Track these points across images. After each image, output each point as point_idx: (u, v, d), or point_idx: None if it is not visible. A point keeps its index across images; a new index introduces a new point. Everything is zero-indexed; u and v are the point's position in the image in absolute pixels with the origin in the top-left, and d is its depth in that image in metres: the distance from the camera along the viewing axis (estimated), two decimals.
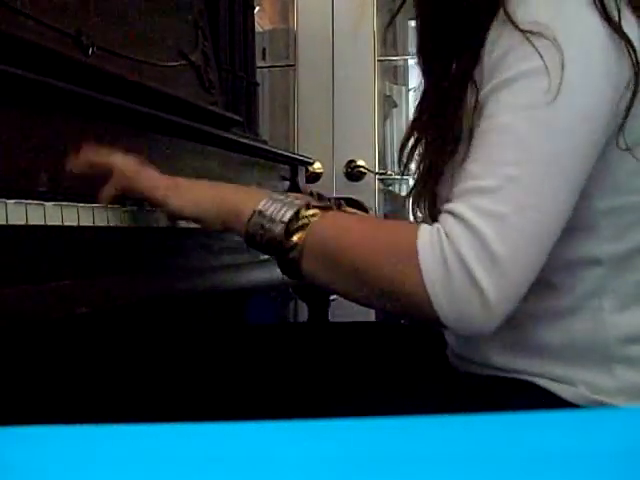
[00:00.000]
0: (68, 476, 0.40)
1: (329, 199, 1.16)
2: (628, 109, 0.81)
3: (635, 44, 0.80)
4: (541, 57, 0.77)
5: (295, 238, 0.82)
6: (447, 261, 0.74)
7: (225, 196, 0.90)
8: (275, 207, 0.84)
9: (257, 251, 0.88)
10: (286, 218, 0.83)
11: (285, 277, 0.88)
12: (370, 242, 0.81)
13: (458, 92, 0.86)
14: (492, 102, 0.80)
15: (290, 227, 0.82)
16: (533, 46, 0.77)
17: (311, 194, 1.09)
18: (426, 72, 0.98)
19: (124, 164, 0.91)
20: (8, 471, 0.40)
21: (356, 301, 0.87)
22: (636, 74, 0.80)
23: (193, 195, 0.90)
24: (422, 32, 0.97)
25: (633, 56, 0.80)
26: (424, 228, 0.78)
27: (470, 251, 0.74)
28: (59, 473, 0.40)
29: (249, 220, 0.85)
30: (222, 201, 0.89)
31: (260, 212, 0.84)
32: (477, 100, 0.83)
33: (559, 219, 0.79)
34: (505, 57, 0.80)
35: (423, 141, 0.98)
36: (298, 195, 0.92)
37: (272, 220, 0.83)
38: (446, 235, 0.76)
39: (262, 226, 0.84)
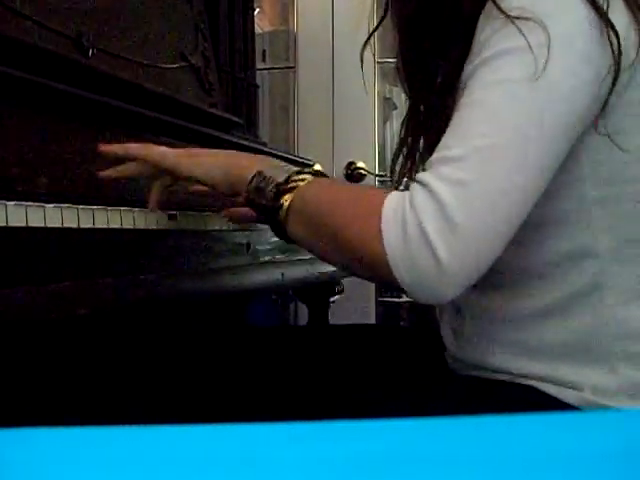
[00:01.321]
0: (68, 477, 0.40)
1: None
2: (608, 94, 0.81)
3: (622, 31, 0.80)
4: (524, 36, 0.77)
5: (283, 199, 0.86)
6: (406, 225, 0.75)
7: (235, 160, 0.96)
8: (273, 171, 0.89)
9: (255, 210, 0.92)
10: (279, 180, 0.87)
11: (290, 277, 0.90)
12: (342, 205, 0.84)
13: (451, 88, 0.86)
14: (473, 80, 0.80)
15: (280, 189, 0.87)
16: (516, 27, 0.77)
17: None
18: (411, 86, 0.99)
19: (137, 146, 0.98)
20: (8, 471, 0.40)
21: (332, 264, 0.93)
22: (617, 61, 0.80)
23: (202, 159, 0.97)
24: (404, 43, 0.98)
25: (615, 42, 0.80)
26: (392, 194, 0.79)
27: (429, 216, 0.74)
28: (59, 474, 0.40)
29: (250, 182, 0.90)
30: (231, 165, 0.95)
31: (260, 173, 0.89)
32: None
33: (525, 195, 0.77)
34: (488, 39, 0.80)
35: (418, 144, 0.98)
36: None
37: (267, 183, 0.88)
38: (410, 201, 0.76)
39: (258, 188, 0.89)
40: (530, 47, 0.76)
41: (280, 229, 0.89)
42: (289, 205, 0.86)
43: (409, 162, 0.99)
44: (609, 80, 0.80)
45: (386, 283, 0.84)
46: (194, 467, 0.41)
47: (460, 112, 0.80)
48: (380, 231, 0.77)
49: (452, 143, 0.78)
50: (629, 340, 0.85)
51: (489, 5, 0.81)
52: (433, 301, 0.80)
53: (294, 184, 0.87)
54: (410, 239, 0.75)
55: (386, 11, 1.00)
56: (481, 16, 0.82)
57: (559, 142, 0.79)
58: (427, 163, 0.80)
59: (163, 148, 0.98)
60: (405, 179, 1.00)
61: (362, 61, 1.03)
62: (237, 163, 0.95)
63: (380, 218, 0.77)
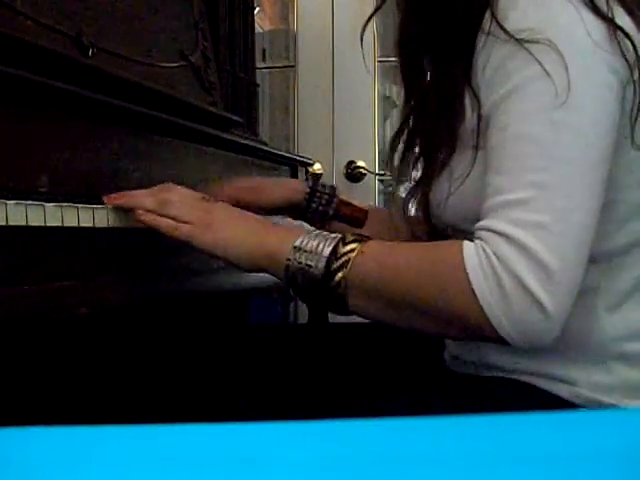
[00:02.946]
0: (68, 476, 0.40)
1: (324, 185, 1.17)
2: (635, 102, 0.81)
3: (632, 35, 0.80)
4: (539, 62, 0.77)
5: (338, 276, 0.81)
6: (502, 282, 0.74)
7: (256, 240, 0.87)
8: (312, 244, 0.83)
9: (296, 290, 0.85)
10: (325, 254, 0.82)
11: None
12: (415, 271, 0.80)
13: (451, 103, 0.86)
14: (501, 113, 0.80)
15: (331, 264, 0.82)
16: (529, 52, 0.77)
17: (307, 179, 1.10)
18: (410, 86, 0.98)
19: (148, 205, 0.89)
20: (8, 471, 0.40)
21: (413, 330, 0.85)
22: (637, 63, 0.80)
23: (220, 233, 0.88)
24: (403, 33, 0.97)
25: (630, 46, 0.80)
26: (468, 247, 0.77)
27: (522, 267, 0.74)
28: (59, 473, 0.40)
29: (288, 259, 0.84)
30: (253, 246, 0.87)
31: (298, 249, 0.84)
32: (479, 114, 0.83)
33: (594, 215, 0.78)
34: (503, 67, 0.80)
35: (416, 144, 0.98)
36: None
37: (311, 258, 0.83)
38: (494, 254, 0.75)
39: (301, 265, 0.83)
40: (549, 71, 0.76)
41: (337, 305, 0.84)
42: (347, 281, 0.81)
43: (407, 159, 0.98)
44: (630, 89, 0.81)
45: (487, 341, 0.82)
46: (194, 467, 0.41)
47: (503, 149, 0.79)
48: (472, 291, 0.75)
49: (509, 185, 0.77)
50: (623, 340, 0.86)
51: (493, 24, 0.81)
52: (538, 345, 0.79)
53: (346, 257, 0.82)
54: (509, 294, 0.74)
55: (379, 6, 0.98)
56: (483, 35, 0.82)
57: (606, 154, 0.80)
58: (486, 207, 0.79)
59: (175, 211, 0.89)
60: (406, 181, 1.00)
61: (362, 42, 0.99)
62: (261, 239, 0.87)
63: (467, 277, 0.75)
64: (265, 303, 2.35)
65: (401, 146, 0.98)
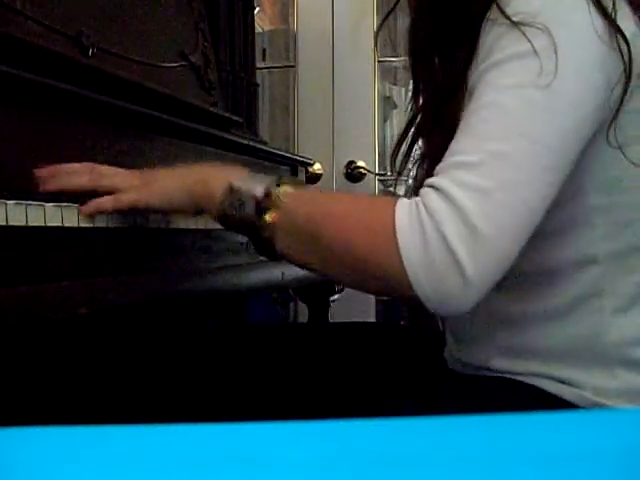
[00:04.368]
0: (68, 476, 0.40)
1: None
2: (620, 103, 0.80)
3: (629, 36, 0.80)
4: (529, 41, 0.76)
5: (267, 216, 0.80)
6: (427, 236, 0.71)
7: (197, 177, 0.87)
8: (246, 183, 0.82)
9: (229, 230, 0.86)
10: (258, 195, 0.81)
11: (290, 277, 0.88)
12: (346, 219, 0.78)
13: (455, 91, 0.86)
14: (481, 84, 0.79)
15: (261, 204, 0.81)
16: (521, 31, 0.77)
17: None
18: (418, 74, 0.98)
19: (83, 184, 0.88)
20: (8, 471, 0.40)
21: (334, 280, 0.84)
22: (628, 67, 0.80)
23: (159, 185, 0.88)
24: (414, 31, 0.97)
25: (625, 49, 0.80)
26: (402, 202, 0.75)
27: (451, 225, 0.71)
28: (59, 473, 0.40)
29: (221, 201, 0.83)
30: (192, 185, 0.87)
31: (231, 187, 0.83)
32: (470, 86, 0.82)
33: (544, 201, 0.76)
34: (496, 42, 0.79)
35: (418, 143, 0.98)
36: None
37: (244, 198, 0.82)
38: (425, 208, 0.72)
39: (234, 206, 0.82)
40: (537, 52, 0.76)
41: (265, 247, 0.83)
42: (275, 223, 0.80)
43: (410, 159, 0.98)
44: (619, 88, 0.80)
45: (400, 297, 0.80)
46: (194, 467, 0.41)
47: (473, 115, 0.78)
48: (395, 240, 0.72)
49: (467, 148, 0.76)
50: (628, 346, 0.86)
51: (494, 10, 0.81)
52: (452, 311, 0.75)
53: (277, 200, 0.80)
54: (430, 246, 0.71)
55: (396, 4, 0.98)
56: (486, 21, 0.82)
57: (572, 146, 0.78)
58: (437, 168, 0.77)
59: (114, 179, 0.88)
60: (407, 181, 1.00)
61: (376, 42, 0.98)
62: (200, 179, 0.87)
63: (393, 226, 0.73)
64: (265, 303, 2.35)
65: (406, 145, 0.98)
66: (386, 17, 1.00)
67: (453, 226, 0.71)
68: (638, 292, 0.87)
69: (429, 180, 0.76)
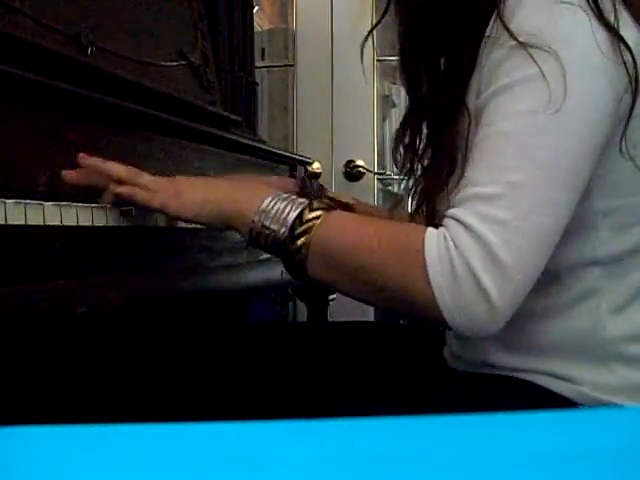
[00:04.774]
0: (68, 476, 0.40)
1: (311, 183, 1.17)
2: (630, 113, 0.81)
3: (632, 44, 0.80)
4: (537, 64, 0.77)
5: (299, 241, 0.82)
6: (455, 269, 0.76)
7: (226, 197, 0.88)
8: (280, 206, 0.84)
9: (260, 250, 0.88)
10: (290, 219, 0.83)
11: (289, 276, 0.88)
12: (376, 246, 0.81)
13: (453, 113, 0.86)
14: (491, 109, 0.80)
15: (294, 229, 0.83)
16: (529, 54, 0.77)
17: (301, 179, 1.10)
18: (411, 89, 0.98)
19: (121, 172, 0.90)
20: (8, 471, 0.40)
21: (363, 302, 0.89)
22: (635, 77, 0.80)
23: (192, 196, 0.89)
24: (407, 46, 0.97)
25: (630, 59, 0.80)
26: (431, 233, 0.79)
27: (477, 259, 0.75)
28: (59, 473, 0.40)
29: (253, 221, 0.85)
30: (223, 202, 0.88)
31: (264, 211, 0.84)
32: (474, 108, 0.83)
33: (560, 223, 0.79)
34: (502, 64, 0.80)
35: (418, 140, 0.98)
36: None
37: (276, 221, 0.83)
38: (453, 242, 0.77)
39: (266, 227, 0.84)
40: (545, 75, 0.77)
41: (296, 270, 0.85)
42: (308, 247, 0.82)
43: (409, 158, 0.98)
44: (627, 98, 0.81)
45: (431, 323, 0.85)
46: (194, 467, 0.41)
47: (485, 144, 0.80)
48: (426, 273, 0.77)
49: (483, 179, 0.79)
50: (625, 342, 0.86)
51: (495, 28, 0.81)
52: (481, 335, 0.81)
53: (310, 223, 0.82)
54: (459, 280, 0.76)
55: (387, 8, 0.98)
56: (486, 38, 0.82)
57: (586, 163, 0.80)
58: (458, 197, 0.80)
59: (150, 183, 0.89)
60: (408, 182, 1.00)
61: (362, 55, 1.00)
62: (231, 196, 0.88)
63: (424, 260, 0.77)
64: (264, 302, 2.35)
65: (404, 145, 0.98)
66: (377, 23, 1.01)
67: (478, 258, 0.76)
68: (635, 290, 0.87)
69: (452, 212, 0.80)
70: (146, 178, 0.90)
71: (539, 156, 0.78)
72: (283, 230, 0.83)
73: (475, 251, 0.76)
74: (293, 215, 0.83)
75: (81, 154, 0.90)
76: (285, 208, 0.84)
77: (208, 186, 0.91)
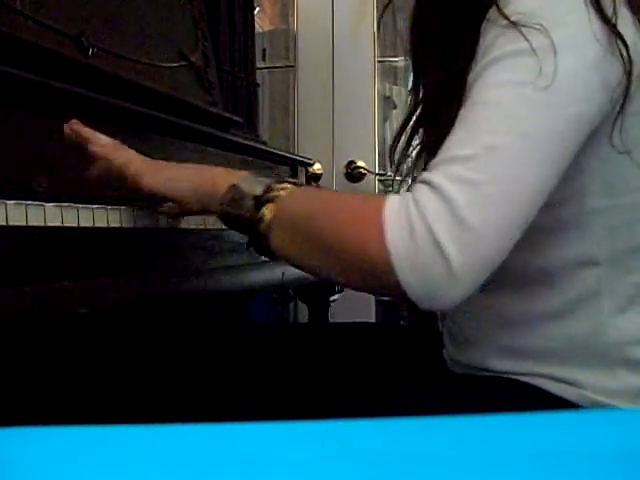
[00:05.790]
0: (68, 476, 0.40)
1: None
2: (621, 106, 0.80)
3: (629, 41, 0.80)
4: (527, 40, 0.76)
5: (263, 211, 0.81)
6: (412, 225, 0.71)
7: (204, 174, 0.90)
8: (249, 183, 0.84)
9: (229, 228, 0.88)
10: (257, 192, 0.82)
11: (290, 277, 0.88)
12: (338, 212, 0.79)
13: (454, 91, 0.86)
14: (478, 81, 0.79)
15: (260, 200, 0.82)
16: (520, 31, 0.77)
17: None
18: (418, 69, 0.98)
19: (100, 142, 0.93)
20: (8, 471, 0.40)
21: (324, 278, 0.86)
22: (629, 73, 0.80)
23: (169, 173, 0.91)
24: (416, 25, 0.97)
25: (624, 52, 0.79)
26: (392, 196, 0.76)
27: (438, 216, 0.71)
28: (59, 473, 0.40)
29: (223, 195, 0.84)
30: (200, 179, 0.89)
31: (234, 186, 0.84)
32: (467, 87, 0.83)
33: (535, 196, 0.76)
34: (493, 41, 0.79)
35: (417, 139, 0.98)
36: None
37: (244, 195, 0.83)
38: (414, 201, 0.73)
39: (234, 200, 0.83)
40: (535, 50, 0.76)
41: (261, 244, 0.83)
42: (271, 217, 0.81)
43: (408, 152, 0.98)
44: (619, 92, 0.80)
45: (386, 292, 0.81)
46: (194, 467, 0.41)
47: (467, 111, 0.78)
48: (383, 233, 0.72)
49: (461, 141, 0.75)
50: (627, 345, 0.86)
51: (493, 10, 0.81)
52: (438, 306, 0.75)
53: (275, 193, 0.81)
54: (417, 240, 0.71)
55: (388, 4, 0.98)
56: (485, 22, 0.82)
57: (567, 145, 0.78)
58: (431, 164, 0.77)
59: (131, 153, 0.93)
60: (406, 179, 1.00)
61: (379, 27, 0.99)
62: (207, 177, 0.89)
63: (382, 220, 0.72)
64: (265, 303, 2.35)
65: (405, 137, 0.98)
66: (384, 10, 1.00)
67: (440, 217, 0.71)
68: (636, 292, 0.87)
69: (422, 175, 0.76)
70: (125, 153, 0.93)
71: (522, 125, 0.75)
72: (249, 201, 0.82)
73: (437, 210, 0.71)
74: (261, 188, 0.82)
75: (73, 120, 0.93)
76: (255, 184, 0.83)
77: (187, 168, 0.94)
